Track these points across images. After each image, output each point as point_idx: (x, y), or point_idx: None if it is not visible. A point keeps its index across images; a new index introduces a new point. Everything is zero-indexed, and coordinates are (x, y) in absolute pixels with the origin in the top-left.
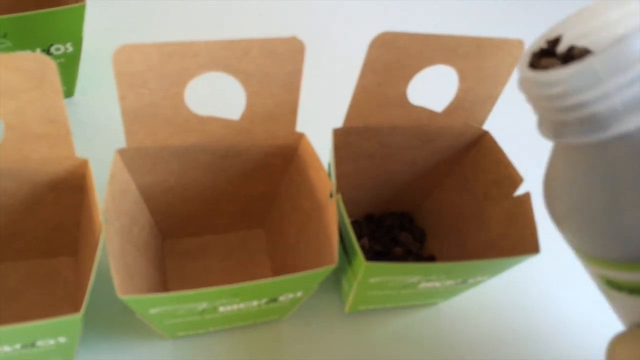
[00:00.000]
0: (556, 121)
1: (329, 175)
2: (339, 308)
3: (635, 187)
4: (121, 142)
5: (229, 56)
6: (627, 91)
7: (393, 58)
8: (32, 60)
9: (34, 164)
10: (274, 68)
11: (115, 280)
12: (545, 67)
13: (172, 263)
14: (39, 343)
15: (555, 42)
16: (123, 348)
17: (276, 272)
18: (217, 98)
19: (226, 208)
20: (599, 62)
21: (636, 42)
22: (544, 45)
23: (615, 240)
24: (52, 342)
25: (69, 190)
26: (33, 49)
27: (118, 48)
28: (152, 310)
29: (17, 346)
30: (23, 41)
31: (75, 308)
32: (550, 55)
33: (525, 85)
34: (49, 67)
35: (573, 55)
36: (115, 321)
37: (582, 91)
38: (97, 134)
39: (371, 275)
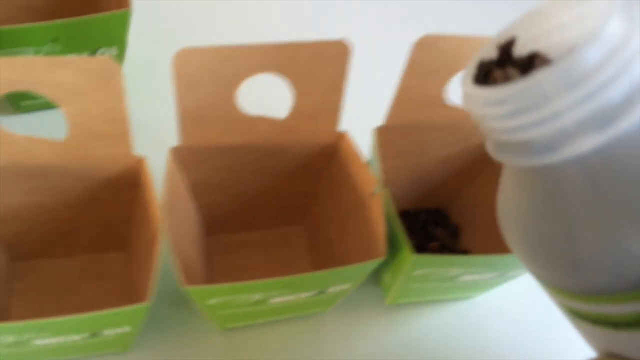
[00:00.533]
0: (503, 142)
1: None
2: (378, 301)
3: (590, 216)
4: (162, 139)
5: (281, 58)
6: (579, 110)
7: (434, 60)
8: (100, 63)
9: (92, 161)
10: (322, 69)
11: (178, 272)
12: (498, 80)
13: (216, 258)
14: (106, 332)
15: (507, 48)
16: (174, 338)
17: (316, 266)
18: (263, 98)
19: (268, 205)
20: (546, 79)
21: (586, 55)
22: (494, 53)
23: (570, 272)
24: (118, 330)
25: (123, 187)
26: (81, 52)
27: (178, 51)
28: (211, 301)
29: (86, 335)
30: (72, 45)
31: (128, 300)
32: (505, 64)
33: (466, 103)
34: (114, 69)
35: (534, 64)
36: (167, 312)
37: (529, 111)
38: (139, 131)
39: (417, 268)
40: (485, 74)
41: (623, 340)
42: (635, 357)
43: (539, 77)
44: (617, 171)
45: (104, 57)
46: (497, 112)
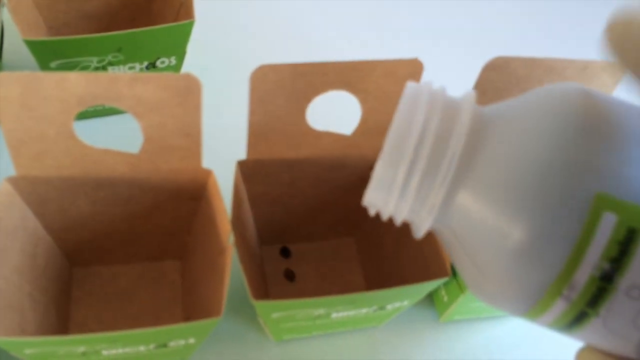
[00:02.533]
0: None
1: None
2: (430, 315)
3: (463, 266)
4: (215, 149)
5: (354, 76)
6: (401, 211)
7: (503, 81)
8: (182, 79)
9: (162, 173)
10: (392, 87)
11: (248, 285)
12: None
13: (268, 268)
14: (172, 343)
15: None
16: (230, 347)
17: (369, 279)
18: (329, 113)
19: (322, 217)
20: (370, 194)
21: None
22: None
23: (495, 303)
24: (182, 342)
25: (188, 198)
26: (141, 61)
27: (256, 68)
28: (275, 314)
29: (152, 346)
30: (134, 55)
31: (183, 309)
32: None
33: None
34: (195, 85)
35: None
36: (222, 322)
37: (383, 213)
38: None
39: None
40: None
41: (579, 337)
42: (601, 348)
43: (368, 194)
44: (460, 229)
45: (186, 73)
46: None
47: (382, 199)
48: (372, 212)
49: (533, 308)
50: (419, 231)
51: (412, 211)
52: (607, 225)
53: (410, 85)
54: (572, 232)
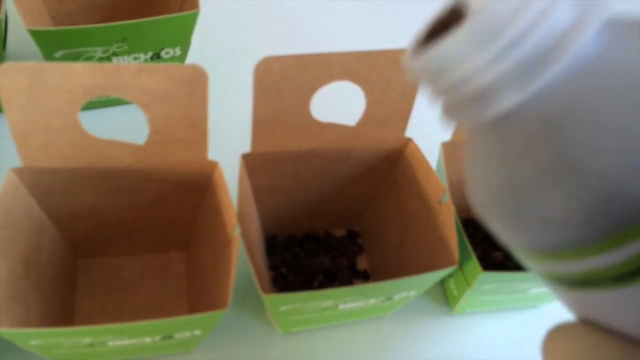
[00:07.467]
0: (460, 100)
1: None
2: (440, 305)
3: (532, 169)
4: (218, 141)
5: (359, 67)
6: (494, 67)
7: None
8: (188, 70)
9: (168, 165)
10: (396, 77)
11: (257, 280)
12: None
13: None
14: (177, 335)
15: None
16: (235, 340)
17: (375, 270)
18: (332, 104)
19: (327, 210)
20: (453, 42)
21: (492, 13)
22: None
23: (534, 228)
24: (188, 334)
25: (193, 190)
26: (146, 52)
27: (260, 60)
28: (284, 307)
29: (157, 338)
30: (139, 45)
31: (188, 300)
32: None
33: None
34: (202, 76)
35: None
36: (228, 314)
37: (445, 75)
38: None
39: (486, 283)
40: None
41: (599, 303)
42: (612, 322)
43: (448, 41)
44: (572, 109)
45: (193, 64)
46: (421, 76)
47: (472, 50)
48: (424, 75)
49: (601, 241)
50: (494, 106)
51: (504, 75)
52: None
53: None
54: None
